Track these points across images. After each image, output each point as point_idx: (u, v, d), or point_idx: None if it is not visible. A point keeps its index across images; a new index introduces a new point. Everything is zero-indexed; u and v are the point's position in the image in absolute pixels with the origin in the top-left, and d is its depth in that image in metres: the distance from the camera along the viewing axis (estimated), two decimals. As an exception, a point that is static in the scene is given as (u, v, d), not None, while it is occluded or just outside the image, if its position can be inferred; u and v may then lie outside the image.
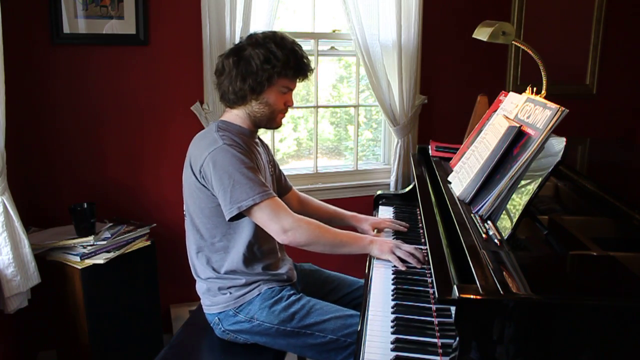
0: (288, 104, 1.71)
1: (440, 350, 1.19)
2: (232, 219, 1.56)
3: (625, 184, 1.71)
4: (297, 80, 1.70)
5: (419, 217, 1.97)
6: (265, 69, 1.60)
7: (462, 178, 1.57)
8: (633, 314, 0.95)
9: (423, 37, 2.75)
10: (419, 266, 1.58)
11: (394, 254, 1.61)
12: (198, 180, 1.61)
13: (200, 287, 1.73)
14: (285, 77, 1.65)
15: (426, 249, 1.62)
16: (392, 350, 1.20)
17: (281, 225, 1.54)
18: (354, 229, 1.92)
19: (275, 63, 1.61)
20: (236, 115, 1.70)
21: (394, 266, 1.60)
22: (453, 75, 2.98)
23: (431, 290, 1.45)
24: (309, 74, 1.71)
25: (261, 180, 1.56)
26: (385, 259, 1.63)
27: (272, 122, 1.72)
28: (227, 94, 1.67)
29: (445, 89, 2.97)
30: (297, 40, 1.71)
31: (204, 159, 1.57)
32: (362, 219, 1.96)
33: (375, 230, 1.90)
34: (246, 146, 1.64)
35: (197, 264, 1.70)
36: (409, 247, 1.63)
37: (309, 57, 1.71)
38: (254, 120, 1.71)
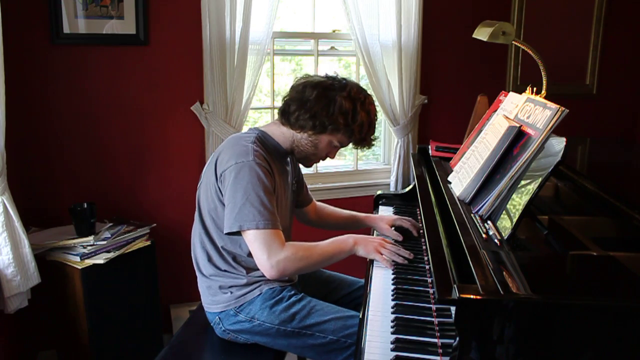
0: (329, 156, 1.74)
1: (440, 350, 1.19)
2: (228, 233, 1.56)
3: (625, 184, 1.71)
4: (354, 145, 1.73)
5: (419, 217, 1.97)
6: (338, 122, 1.62)
7: (462, 178, 1.57)
8: (633, 314, 0.95)
9: (423, 37, 2.75)
10: (406, 262, 1.61)
11: (380, 253, 1.62)
12: (217, 182, 1.61)
13: (201, 284, 1.73)
14: (348, 137, 1.67)
15: (426, 255, 1.63)
16: (392, 350, 1.20)
17: (270, 260, 1.52)
18: (369, 229, 1.93)
19: (349, 122, 1.62)
20: (281, 133, 1.70)
21: (394, 266, 1.60)
22: (453, 75, 2.98)
23: (431, 290, 1.45)
24: (365, 148, 1.75)
25: (273, 208, 1.55)
26: (372, 259, 1.65)
27: (306, 161, 1.75)
28: (288, 114, 1.66)
29: (445, 89, 2.97)
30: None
31: (229, 167, 1.56)
32: (377, 218, 1.97)
33: (393, 228, 1.90)
34: (275, 165, 1.64)
35: (200, 258, 1.70)
36: (394, 247, 1.65)
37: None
38: (293, 148, 1.72)
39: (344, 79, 1.70)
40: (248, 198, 1.52)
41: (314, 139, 1.67)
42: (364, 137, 1.68)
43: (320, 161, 1.78)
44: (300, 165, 1.85)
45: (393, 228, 1.88)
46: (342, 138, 1.67)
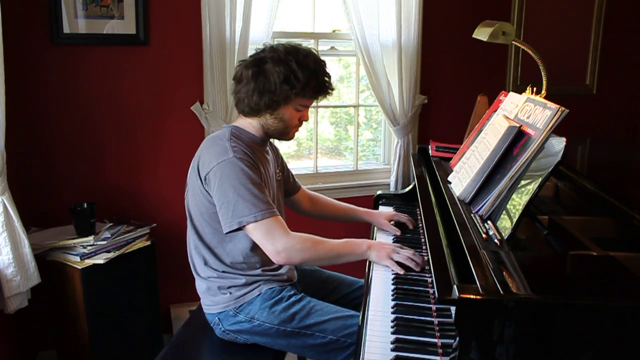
0: (303, 119, 1.72)
1: (440, 350, 1.19)
2: (228, 232, 1.56)
3: (625, 184, 1.71)
4: (316, 99, 1.70)
5: (419, 217, 1.97)
6: (284, 89, 1.59)
7: (462, 178, 1.57)
8: (633, 314, 0.95)
9: (423, 37, 2.75)
10: (417, 269, 1.56)
11: (392, 259, 1.59)
12: (202, 185, 1.61)
13: (199, 286, 1.73)
14: (303, 97, 1.64)
15: (426, 253, 1.63)
16: (392, 350, 1.20)
17: (275, 246, 1.54)
18: (369, 224, 1.93)
19: (294, 84, 1.58)
20: (250, 124, 1.70)
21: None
22: (453, 75, 2.98)
23: (431, 290, 1.45)
24: (329, 94, 1.70)
25: (266, 197, 1.56)
26: (384, 265, 1.61)
27: (285, 135, 1.73)
28: (242, 104, 1.66)
29: (445, 89, 2.97)
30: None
31: (212, 168, 1.57)
32: (375, 214, 1.98)
33: (392, 223, 1.91)
34: (256, 156, 1.64)
35: (196, 262, 1.71)
36: (408, 252, 1.61)
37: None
38: (267, 132, 1.71)
39: (272, 45, 1.66)
40: (239, 194, 1.53)
41: (276, 114, 1.65)
42: (318, 89, 1.65)
43: (299, 129, 1.75)
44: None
45: (392, 223, 1.89)
46: (300, 100, 1.64)
